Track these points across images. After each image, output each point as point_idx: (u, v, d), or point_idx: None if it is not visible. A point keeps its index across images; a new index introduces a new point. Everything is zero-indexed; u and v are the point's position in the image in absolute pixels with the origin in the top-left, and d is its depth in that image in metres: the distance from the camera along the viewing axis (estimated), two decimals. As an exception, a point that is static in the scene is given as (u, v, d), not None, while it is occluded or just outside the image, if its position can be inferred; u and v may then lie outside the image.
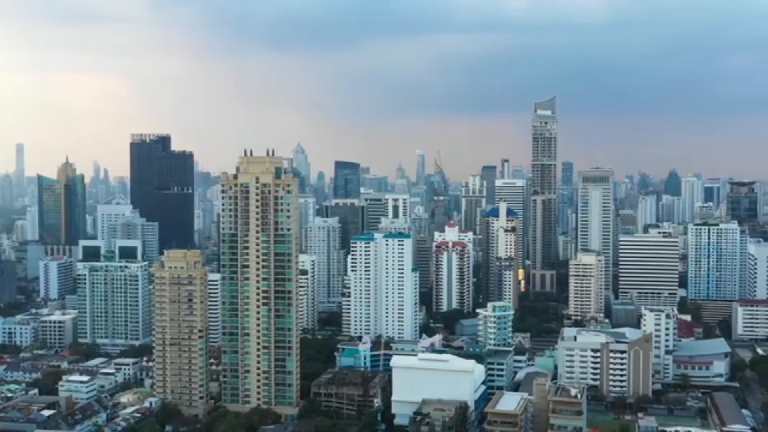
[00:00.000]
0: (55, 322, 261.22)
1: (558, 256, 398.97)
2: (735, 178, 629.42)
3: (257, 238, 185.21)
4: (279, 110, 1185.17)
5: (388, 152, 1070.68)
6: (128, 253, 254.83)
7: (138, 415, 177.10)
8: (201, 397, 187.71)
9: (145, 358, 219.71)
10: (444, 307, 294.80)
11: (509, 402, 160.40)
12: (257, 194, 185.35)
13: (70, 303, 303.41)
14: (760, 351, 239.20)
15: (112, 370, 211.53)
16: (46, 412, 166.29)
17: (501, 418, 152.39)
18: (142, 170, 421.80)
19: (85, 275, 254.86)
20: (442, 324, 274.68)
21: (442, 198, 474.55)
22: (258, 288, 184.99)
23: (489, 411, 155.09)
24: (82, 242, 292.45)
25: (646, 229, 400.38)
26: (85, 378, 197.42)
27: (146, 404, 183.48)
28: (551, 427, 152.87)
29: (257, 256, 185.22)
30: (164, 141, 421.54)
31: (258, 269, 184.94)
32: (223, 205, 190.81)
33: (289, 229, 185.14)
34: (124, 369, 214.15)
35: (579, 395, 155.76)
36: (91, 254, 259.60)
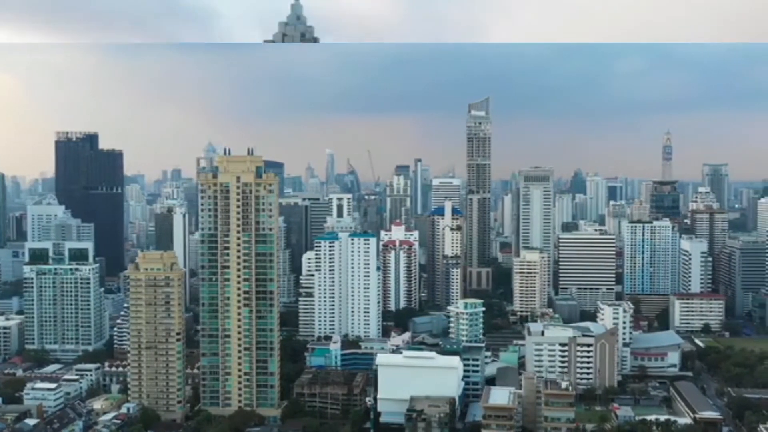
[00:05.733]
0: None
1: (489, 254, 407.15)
2: (629, 177, 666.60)
3: (238, 238, 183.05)
4: (180, 109, 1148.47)
5: (296, 152, 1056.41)
6: (79, 255, 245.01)
7: (118, 421, 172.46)
8: (179, 402, 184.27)
9: (107, 363, 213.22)
10: (392, 306, 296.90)
11: (499, 396, 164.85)
12: (238, 194, 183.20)
13: (2, 307, 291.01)
14: (698, 342, 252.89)
15: (75, 377, 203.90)
16: (30, 421, 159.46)
17: (497, 412, 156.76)
18: (67, 169, 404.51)
19: (32, 278, 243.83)
20: (393, 322, 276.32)
21: (374, 197, 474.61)
22: (239, 289, 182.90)
23: (485, 406, 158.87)
24: (28, 244, 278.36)
25: (564, 228, 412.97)
26: (52, 385, 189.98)
27: (123, 410, 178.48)
28: (545, 419, 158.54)
29: (238, 257, 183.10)
30: (92, 139, 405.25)
31: (239, 270, 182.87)
32: (202, 205, 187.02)
33: (270, 229, 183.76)
34: (87, 375, 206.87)
35: (570, 388, 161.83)
36: (38, 257, 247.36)
